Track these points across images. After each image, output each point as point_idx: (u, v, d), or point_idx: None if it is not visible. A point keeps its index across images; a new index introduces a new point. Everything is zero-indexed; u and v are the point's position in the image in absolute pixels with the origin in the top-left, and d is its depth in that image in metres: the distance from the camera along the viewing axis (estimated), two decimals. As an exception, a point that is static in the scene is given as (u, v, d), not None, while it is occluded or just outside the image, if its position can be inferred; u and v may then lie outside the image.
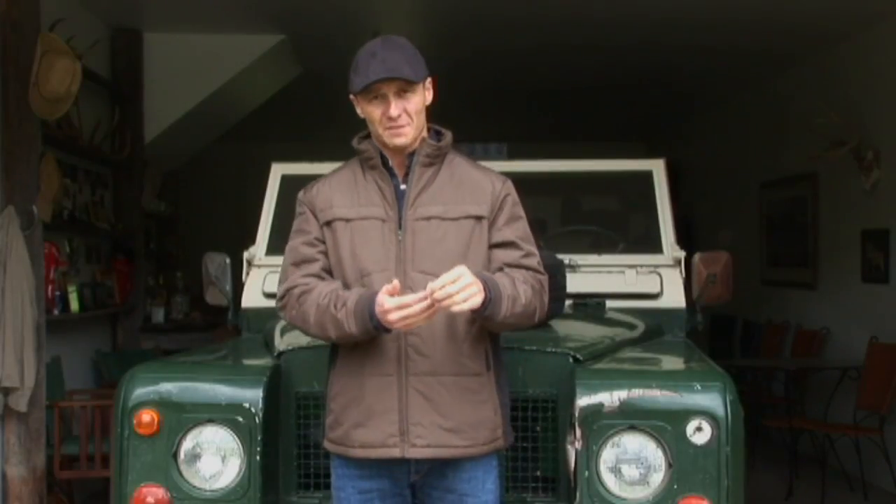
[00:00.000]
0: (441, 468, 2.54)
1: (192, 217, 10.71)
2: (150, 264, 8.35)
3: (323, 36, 7.28)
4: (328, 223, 2.58)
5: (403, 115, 2.50)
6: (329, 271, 2.57)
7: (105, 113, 6.93)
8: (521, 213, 2.63)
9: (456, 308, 2.31)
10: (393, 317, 2.35)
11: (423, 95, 2.56)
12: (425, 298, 2.33)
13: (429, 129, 2.61)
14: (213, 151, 9.71)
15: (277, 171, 4.25)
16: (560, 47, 7.65)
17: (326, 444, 2.62)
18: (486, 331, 2.56)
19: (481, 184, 2.59)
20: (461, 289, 2.30)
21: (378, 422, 2.49)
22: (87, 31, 6.37)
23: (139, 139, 7.23)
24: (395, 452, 2.49)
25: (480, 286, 2.35)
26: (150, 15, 6.97)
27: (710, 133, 10.72)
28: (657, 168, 4.20)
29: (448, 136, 2.61)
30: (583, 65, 8.24)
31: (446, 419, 2.49)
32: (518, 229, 2.60)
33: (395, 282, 2.38)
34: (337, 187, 2.61)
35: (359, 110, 2.59)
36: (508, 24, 6.97)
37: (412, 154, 2.56)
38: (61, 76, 5.18)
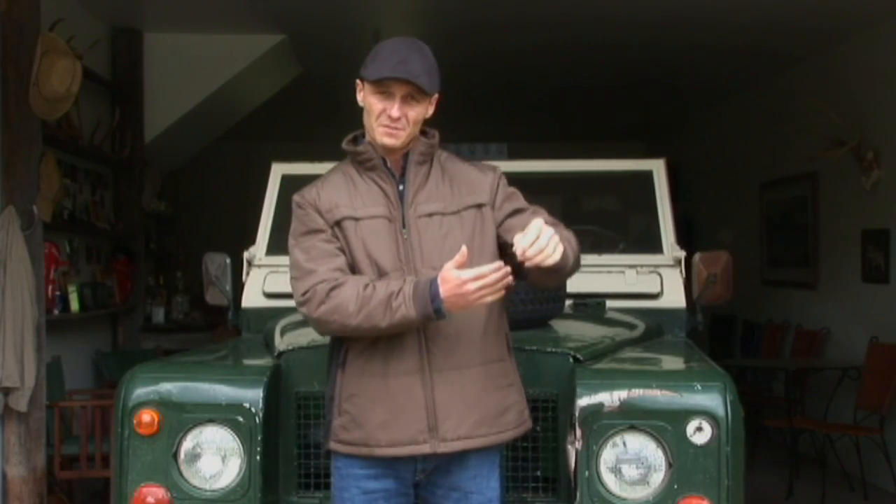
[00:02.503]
0: (446, 465, 2.53)
1: (192, 217, 10.73)
2: (150, 264, 8.36)
3: (323, 36, 7.28)
4: (338, 223, 2.54)
5: (403, 120, 2.50)
6: (352, 268, 2.54)
7: (105, 113, 6.93)
8: (514, 189, 2.66)
9: (550, 261, 2.28)
10: (471, 286, 2.32)
11: (427, 108, 2.56)
12: (498, 269, 2.33)
13: (422, 131, 2.63)
14: (213, 151, 9.71)
15: (278, 171, 4.25)
16: (560, 47, 7.65)
17: (336, 446, 2.56)
18: (504, 315, 2.59)
19: (475, 175, 2.61)
20: (549, 240, 2.28)
21: (406, 419, 2.48)
22: (88, 31, 6.37)
23: (139, 139, 7.24)
24: (426, 448, 2.48)
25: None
26: (150, 15, 6.97)
27: (710, 133, 10.73)
28: (657, 168, 4.20)
29: (436, 134, 2.63)
30: (583, 65, 8.24)
31: (475, 410, 2.49)
32: (519, 199, 2.63)
33: (464, 249, 2.36)
34: (334, 189, 2.58)
35: (359, 97, 2.58)
36: (508, 24, 6.97)
37: (406, 154, 2.57)
38: (61, 76, 5.18)
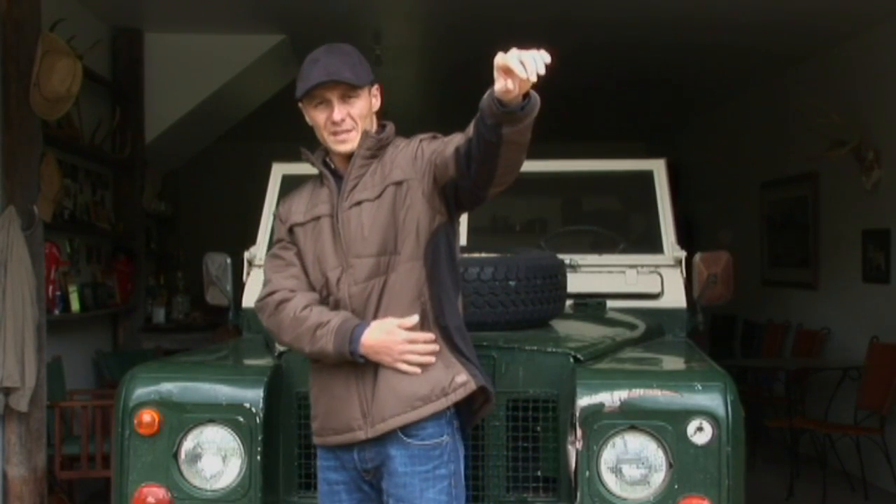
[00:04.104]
0: (381, 470, 2.57)
1: (192, 217, 10.72)
2: (150, 264, 8.35)
3: (323, 36, 7.17)
4: (290, 230, 2.66)
5: (348, 120, 2.55)
6: (305, 270, 2.64)
7: (105, 113, 6.93)
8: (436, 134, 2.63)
9: (532, 76, 2.15)
10: (403, 347, 2.46)
11: (369, 101, 2.60)
12: (433, 341, 2.49)
13: (380, 126, 2.64)
14: (213, 151, 9.71)
15: (278, 170, 4.26)
16: (560, 48, 7.60)
17: (313, 438, 2.69)
18: (419, 292, 2.53)
19: (401, 151, 2.59)
20: (521, 55, 2.17)
21: (343, 408, 2.55)
22: (88, 31, 6.37)
23: (140, 139, 7.23)
24: (361, 435, 2.54)
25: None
26: (150, 15, 6.97)
27: (710, 133, 10.73)
28: (658, 168, 4.20)
29: (390, 127, 2.64)
30: (583, 65, 8.23)
31: (394, 390, 2.51)
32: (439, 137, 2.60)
33: (416, 318, 2.48)
34: (297, 197, 2.70)
35: (308, 118, 2.64)
36: (508, 24, 6.96)
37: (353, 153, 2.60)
38: (62, 76, 5.18)
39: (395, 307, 2.52)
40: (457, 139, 2.45)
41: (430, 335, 2.50)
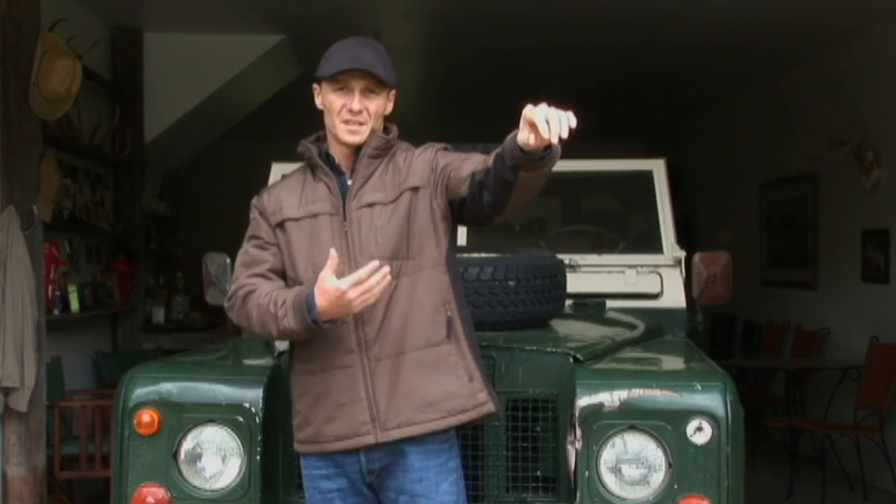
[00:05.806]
0: (391, 468, 2.54)
1: (192, 217, 10.73)
2: (150, 264, 8.36)
3: (323, 36, 7.18)
4: (280, 225, 2.61)
5: (364, 113, 2.53)
6: (276, 272, 2.60)
7: (105, 113, 6.93)
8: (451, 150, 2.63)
9: (571, 123, 2.20)
10: (352, 294, 2.34)
11: (385, 103, 2.59)
12: (375, 271, 2.35)
13: (384, 128, 2.64)
14: (213, 151, 9.71)
15: (278, 171, 4.25)
16: (560, 47, 7.65)
17: (297, 446, 2.64)
18: (443, 299, 2.54)
19: (415, 159, 2.59)
20: (549, 111, 2.20)
21: (348, 413, 2.51)
22: (88, 31, 6.37)
23: (139, 139, 7.24)
24: (370, 440, 2.50)
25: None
26: (150, 15, 6.97)
27: (710, 133, 10.73)
28: (657, 168, 4.20)
29: (394, 129, 2.65)
30: (583, 65, 8.24)
31: (415, 396, 2.49)
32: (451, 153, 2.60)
33: (333, 252, 2.37)
34: (286, 189, 2.65)
35: (318, 101, 2.61)
36: (508, 24, 6.97)
37: (359, 149, 2.58)
38: (61, 76, 5.18)
39: (416, 315, 2.49)
40: (474, 161, 2.46)
41: (370, 265, 2.35)
